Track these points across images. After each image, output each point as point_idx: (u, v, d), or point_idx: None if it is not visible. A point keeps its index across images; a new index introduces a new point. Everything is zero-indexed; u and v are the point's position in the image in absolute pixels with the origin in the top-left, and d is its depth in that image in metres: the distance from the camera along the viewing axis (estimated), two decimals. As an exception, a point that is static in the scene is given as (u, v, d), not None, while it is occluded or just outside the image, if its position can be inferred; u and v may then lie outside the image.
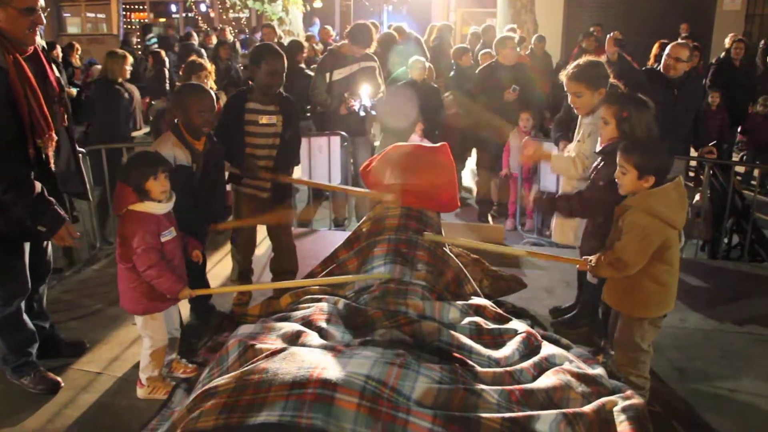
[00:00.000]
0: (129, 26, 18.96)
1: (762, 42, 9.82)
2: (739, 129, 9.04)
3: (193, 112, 3.51)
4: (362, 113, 5.95)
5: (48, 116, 3.05)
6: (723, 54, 9.08)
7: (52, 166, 3.17)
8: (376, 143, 7.21)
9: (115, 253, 3.20)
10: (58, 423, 3.11)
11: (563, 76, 3.85)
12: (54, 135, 3.10)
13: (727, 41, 9.40)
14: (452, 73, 8.27)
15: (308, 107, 7.64)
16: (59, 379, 3.39)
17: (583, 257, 3.31)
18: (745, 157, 9.09)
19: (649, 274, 3.01)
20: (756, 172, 8.53)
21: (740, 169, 8.21)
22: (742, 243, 5.79)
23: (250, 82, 4.24)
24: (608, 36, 7.85)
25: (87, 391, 3.37)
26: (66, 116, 3.29)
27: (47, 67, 3.19)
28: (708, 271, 5.16)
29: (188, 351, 3.66)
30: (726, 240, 5.85)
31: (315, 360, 2.61)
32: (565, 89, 3.86)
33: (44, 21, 3.04)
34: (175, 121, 3.61)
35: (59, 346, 3.68)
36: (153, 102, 7.85)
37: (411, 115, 6.48)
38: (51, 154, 3.12)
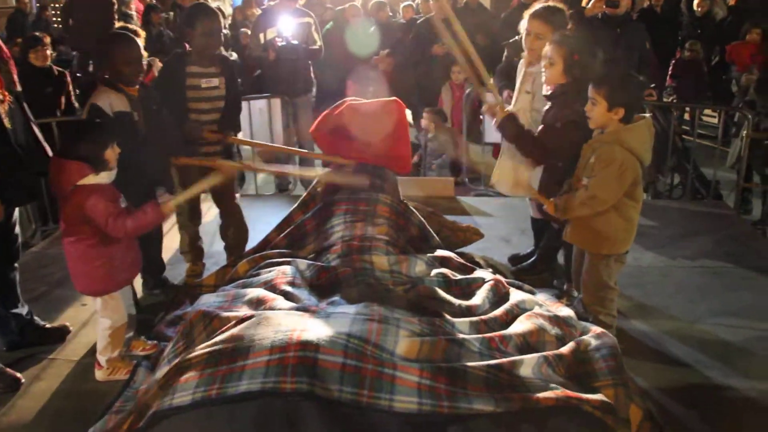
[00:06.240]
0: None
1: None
2: (669, 73, 9.26)
3: (121, 62, 3.33)
4: (282, 43, 5.77)
5: None
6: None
7: (11, 136, 2.99)
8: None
9: (65, 235, 2.97)
10: (12, 415, 2.91)
11: (527, 14, 3.74)
12: (7, 93, 2.97)
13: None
14: (372, 28, 8.08)
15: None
16: (19, 375, 3.15)
17: (551, 198, 3.25)
18: (674, 101, 9.33)
19: (618, 210, 3.02)
20: (687, 115, 8.78)
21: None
22: (683, 182, 5.96)
23: (187, 46, 4.03)
24: None
25: (41, 378, 3.17)
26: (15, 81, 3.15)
27: None
28: (655, 210, 5.26)
29: (145, 328, 3.51)
30: (668, 180, 6.01)
31: (292, 323, 2.52)
32: (527, 29, 3.75)
33: None
34: (105, 76, 3.41)
35: (40, 333, 3.48)
36: (79, 74, 7.45)
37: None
38: (6, 119, 2.95)
